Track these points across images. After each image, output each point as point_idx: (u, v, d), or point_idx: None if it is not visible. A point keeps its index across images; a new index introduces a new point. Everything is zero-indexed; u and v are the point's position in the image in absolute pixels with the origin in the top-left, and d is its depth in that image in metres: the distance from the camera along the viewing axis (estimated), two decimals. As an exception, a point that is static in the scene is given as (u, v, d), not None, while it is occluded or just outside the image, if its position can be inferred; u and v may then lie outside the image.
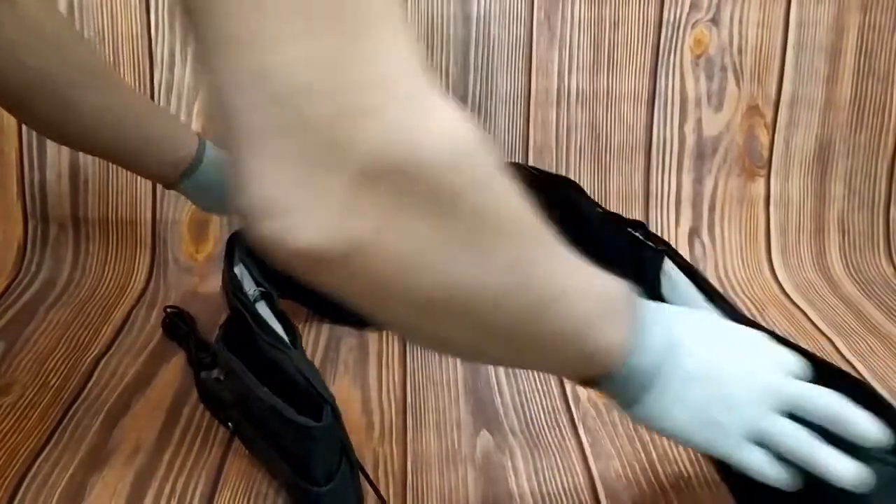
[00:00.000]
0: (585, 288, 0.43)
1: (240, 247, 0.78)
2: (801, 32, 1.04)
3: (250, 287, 0.72)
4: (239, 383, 0.62)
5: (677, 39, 1.03)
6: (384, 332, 0.85)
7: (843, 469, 0.47)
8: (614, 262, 0.84)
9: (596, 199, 0.92)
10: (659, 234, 1.04)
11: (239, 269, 0.76)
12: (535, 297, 0.40)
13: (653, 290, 0.85)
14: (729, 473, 0.64)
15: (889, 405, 0.53)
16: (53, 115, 0.65)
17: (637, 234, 0.87)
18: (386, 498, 0.62)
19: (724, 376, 0.48)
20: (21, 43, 0.60)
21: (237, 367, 0.62)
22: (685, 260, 0.81)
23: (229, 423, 0.68)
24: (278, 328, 0.67)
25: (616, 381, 0.46)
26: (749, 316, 0.69)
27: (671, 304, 0.75)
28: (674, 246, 1.03)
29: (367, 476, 0.60)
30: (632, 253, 0.85)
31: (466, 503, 0.62)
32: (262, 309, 0.69)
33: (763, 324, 0.90)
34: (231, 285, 0.72)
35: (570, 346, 0.43)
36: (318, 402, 0.56)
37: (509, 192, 0.38)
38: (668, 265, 0.80)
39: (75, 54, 0.65)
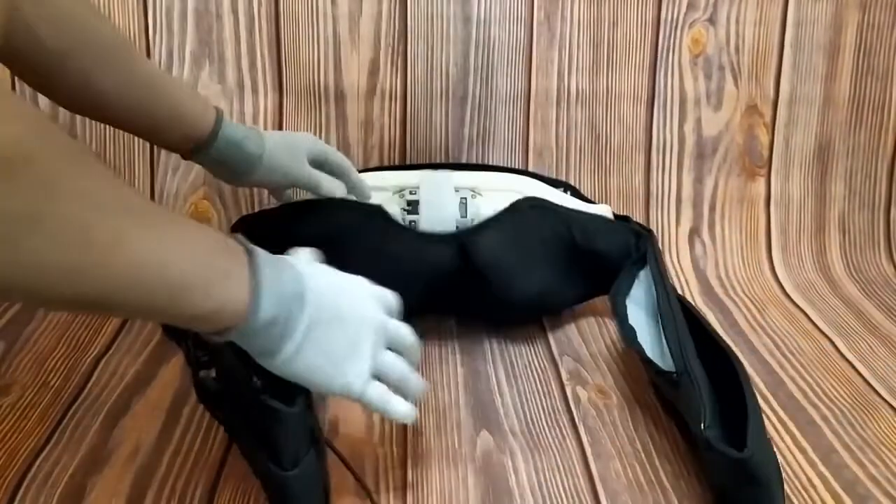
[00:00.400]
0: (191, 253, 0.47)
1: (242, 234, 0.78)
2: (799, 31, 1.04)
3: None
4: (223, 363, 0.62)
5: (675, 39, 1.04)
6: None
7: (401, 407, 0.58)
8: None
9: (596, 200, 0.92)
10: (659, 234, 1.04)
11: None
12: (135, 269, 0.43)
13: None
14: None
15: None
16: (77, 92, 0.66)
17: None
18: (372, 492, 0.62)
19: (346, 319, 0.56)
20: (41, 24, 0.61)
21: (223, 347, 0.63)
22: (659, 256, 0.82)
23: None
24: None
25: (247, 334, 0.51)
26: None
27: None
28: (674, 246, 1.04)
29: (347, 464, 0.62)
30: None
31: (466, 503, 0.62)
32: None
33: (764, 324, 0.90)
34: None
35: (187, 306, 0.47)
36: (293, 389, 0.56)
37: (96, 174, 0.42)
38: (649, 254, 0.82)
39: (96, 32, 0.65)
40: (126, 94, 0.68)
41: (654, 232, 1.01)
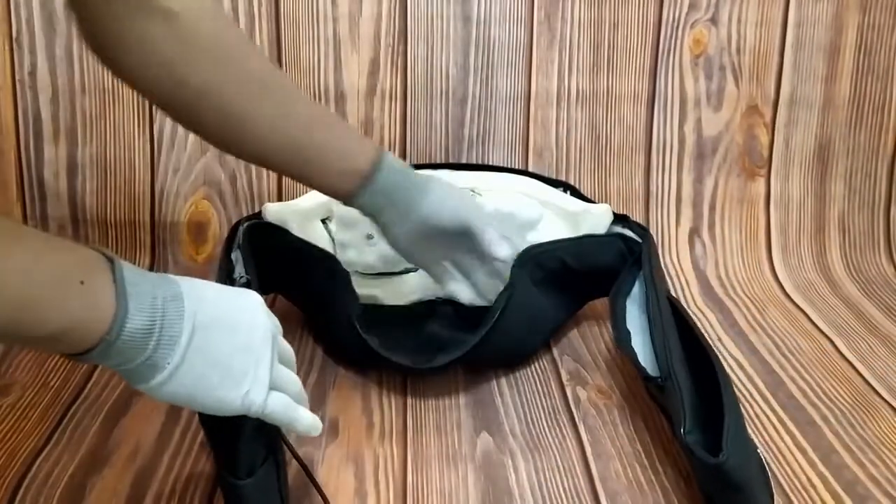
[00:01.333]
0: (32, 266, 0.42)
1: (241, 236, 0.79)
2: (800, 31, 1.04)
3: (240, 272, 0.73)
4: None
5: (676, 39, 1.04)
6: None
7: (308, 418, 0.54)
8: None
9: (596, 200, 0.92)
10: (659, 234, 1.04)
11: (235, 255, 0.76)
12: None
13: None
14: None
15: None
16: (226, 130, 0.63)
17: (625, 230, 0.87)
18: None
19: (236, 322, 0.50)
20: (180, 59, 0.58)
21: None
22: (654, 254, 0.82)
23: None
24: None
25: (119, 349, 0.45)
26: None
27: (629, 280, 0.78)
28: (674, 246, 1.04)
29: (311, 478, 0.60)
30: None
31: (466, 503, 0.62)
32: None
33: (764, 324, 0.90)
34: (225, 268, 0.73)
35: (37, 325, 0.42)
36: None
37: None
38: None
39: (242, 66, 0.62)
40: (279, 129, 0.64)
41: (654, 232, 1.01)
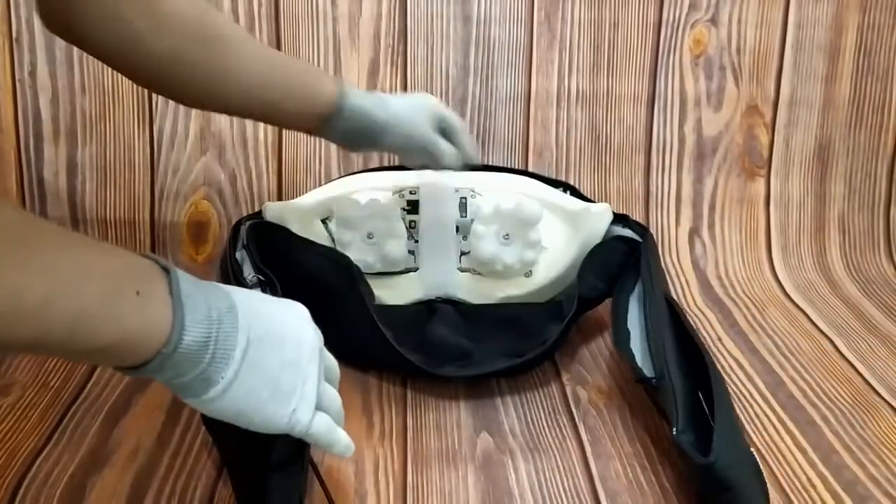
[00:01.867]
0: (85, 278, 0.40)
1: (245, 233, 0.79)
2: (800, 32, 1.04)
3: (249, 272, 0.73)
4: None
5: (676, 39, 1.04)
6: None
7: (345, 440, 0.52)
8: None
9: (596, 200, 0.92)
10: (659, 234, 1.04)
11: (240, 255, 0.76)
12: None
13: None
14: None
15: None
16: (192, 88, 0.66)
17: (624, 231, 0.87)
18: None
19: (285, 338, 0.49)
20: (147, 30, 0.61)
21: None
22: (654, 250, 0.82)
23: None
24: None
25: (176, 362, 0.44)
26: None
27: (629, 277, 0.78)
28: (674, 246, 1.04)
29: (317, 472, 0.60)
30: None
31: (466, 503, 0.62)
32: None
33: (764, 324, 0.90)
34: (231, 268, 0.73)
35: (93, 337, 0.40)
36: None
37: None
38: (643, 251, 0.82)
39: (204, 26, 0.65)
40: (243, 79, 0.67)
41: (654, 232, 1.01)
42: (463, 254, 0.85)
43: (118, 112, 0.98)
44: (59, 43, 0.96)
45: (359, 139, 0.76)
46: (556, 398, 0.76)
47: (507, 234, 0.82)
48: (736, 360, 0.83)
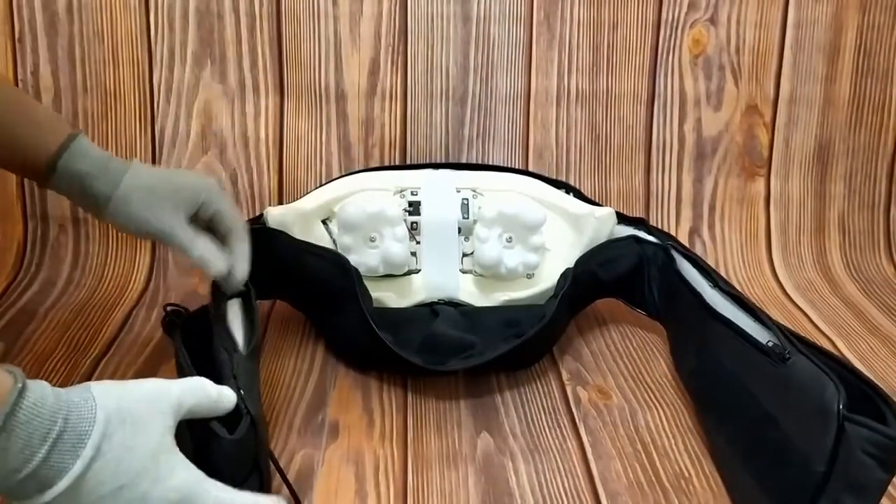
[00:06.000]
0: None
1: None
2: (799, 32, 1.04)
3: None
4: (181, 373, 0.61)
5: (676, 39, 1.04)
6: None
7: None
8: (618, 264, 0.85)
9: (596, 199, 0.92)
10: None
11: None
12: None
13: (654, 288, 0.85)
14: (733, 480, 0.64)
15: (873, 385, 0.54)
16: None
17: (639, 232, 0.87)
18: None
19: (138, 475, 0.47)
20: None
21: (181, 356, 0.61)
22: (688, 249, 0.82)
23: None
24: (237, 329, 0.66)
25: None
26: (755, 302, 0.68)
27: (681, 294, 0.77)
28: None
29: (288, 484, 0.59)
30: (636, 252, 0.86)
31: (466, 503, 0.62)
32: (233, 307, 0.69)
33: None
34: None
35: None
36: (239, 412, 0.54)
37: None
38: (677, 256, 0.82)
39: None
40: None
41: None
42: (465, 255, 0.85)
43: (120, 112, 0.98)
44: (62, 43, 0.96)
45: (84, 206, 0.66)
46: (557, 398, 0.76)
47: (511, 238, 0.82)
48: (736, 360, 0.83)
